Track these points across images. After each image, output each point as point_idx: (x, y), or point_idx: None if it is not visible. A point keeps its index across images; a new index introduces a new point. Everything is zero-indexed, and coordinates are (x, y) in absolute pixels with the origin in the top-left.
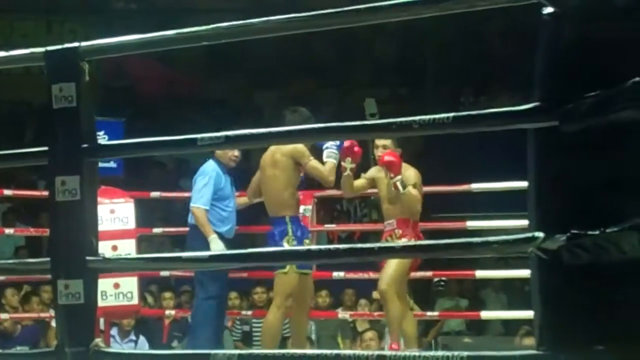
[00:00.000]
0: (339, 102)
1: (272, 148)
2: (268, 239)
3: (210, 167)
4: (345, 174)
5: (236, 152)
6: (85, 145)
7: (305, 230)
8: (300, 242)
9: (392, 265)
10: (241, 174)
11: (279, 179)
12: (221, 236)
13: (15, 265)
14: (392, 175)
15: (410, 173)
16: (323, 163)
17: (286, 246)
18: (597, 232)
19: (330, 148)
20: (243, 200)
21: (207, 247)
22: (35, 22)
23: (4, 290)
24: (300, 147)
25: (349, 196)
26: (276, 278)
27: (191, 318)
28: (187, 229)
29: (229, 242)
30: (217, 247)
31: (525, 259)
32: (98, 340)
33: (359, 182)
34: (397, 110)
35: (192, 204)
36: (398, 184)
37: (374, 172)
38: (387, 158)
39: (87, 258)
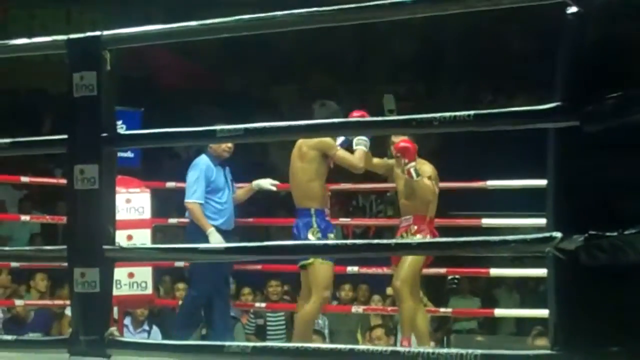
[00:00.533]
0: (357, 97)
1: (299, 141)
2: (292, 230)
3: (201, 161)
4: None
5: (229, 144)
6: (104, 135)
7: (330, 224)
8: (325, 235)
9: (407, 262)
10: (258, 168)
11: (307, 171)
12: (218, 229)
13: (32, 253)
14: (406, 161)
15: (426, 167)
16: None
17: (311, 238)
18: (615, 234)
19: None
20: (242, 191)
21: (205, 241)
22: (54, 11)
23: (35, 274)
24: (326, 139)
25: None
26: (313, 269)
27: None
28: None
29: (227, 234)
30: (215, 240)
31: (540, 258)
32: (113, 329)
33: (376, 160)
34: (414, 107)
35: (186, 200)
36: (412, 170)
37: (393, 163)
38: (402, 144)
39: (104, 247)
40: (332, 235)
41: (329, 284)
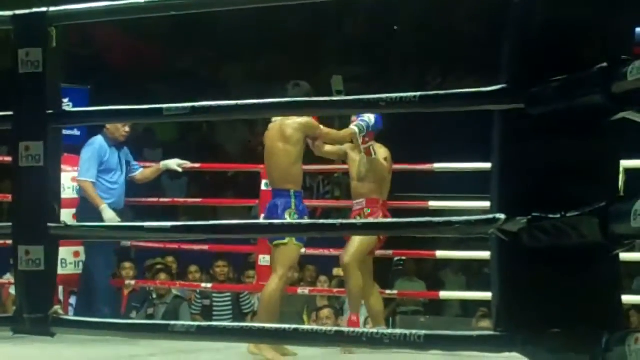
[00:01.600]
0: (306, 78)
1: (279, 123)
2: (269, 209)
3: (96, 141)
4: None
5: (127, 128)
6: (50, 112)
7: (305, 207)
8: (301, 217)
9: (356, 241)
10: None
11: (291, 153)
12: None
13: None
14: (367, 139)
15: (382, 150)
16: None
17: (287, 218)
18: (558, 216)
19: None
20: (149, 171)
21: (98, 218)
22: None
23: None
24: (310, 121)
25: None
26: (277, 249)
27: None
28: (149, 199)
29: (117, 213)
30: (108, 216)
31: (486, 241)
32: (57, 308)
33: (330, 147)
34: (363, 88)
35: (78, 177)
36: (371, 148)
37: (347, 148)
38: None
39: (49, 224)
40: (306, 218)
41: (292, 264)
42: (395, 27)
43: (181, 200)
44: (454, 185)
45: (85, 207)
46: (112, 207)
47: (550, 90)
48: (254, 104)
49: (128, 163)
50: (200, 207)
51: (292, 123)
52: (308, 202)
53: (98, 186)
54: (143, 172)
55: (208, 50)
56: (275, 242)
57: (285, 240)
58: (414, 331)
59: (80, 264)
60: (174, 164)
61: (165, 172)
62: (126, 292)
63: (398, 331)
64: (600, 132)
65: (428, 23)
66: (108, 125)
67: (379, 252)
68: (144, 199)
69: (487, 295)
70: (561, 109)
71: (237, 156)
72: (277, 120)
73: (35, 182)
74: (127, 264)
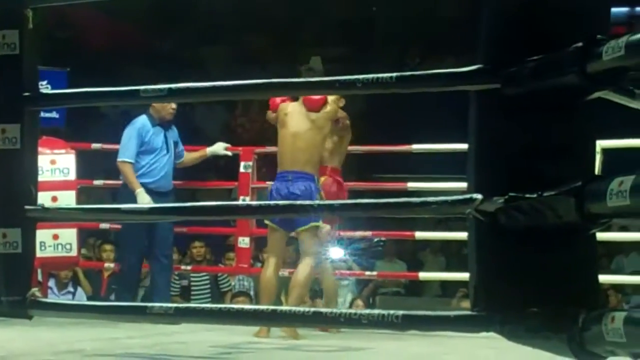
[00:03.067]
0: (288, 59)
1: (302, 109)
2: (304, 192)
3: (138, 121)
4: None
5: (174, 105)
6: (27, 94)
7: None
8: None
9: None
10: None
11: (320, 139)
12: (150, 190)
13: None
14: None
15: None
16: None
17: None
18: (534, 196)
19: None
20: (193, 155)
21: (135, 201)
22: None
23: None
24: (336, 107)
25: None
26: (315, 232)
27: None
28: None
29: (160, 196)
30: (143, 200)
31: (465, 221)
32: (35, 290)
33: None
34: (343, 69)
35: (117, 159)
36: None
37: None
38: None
39: (26, 207)
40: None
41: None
42: (374, 8)
43: None
44: (433, 167)
45: (124, 190)
46: (157, 188)
47: (526, 70)
48: (231, 86)
49: (176, 144)
50: (179, 189)
51: (321, 110)
52: None
53: (138, 167)
54: (187, 156)
55: (188, 32)
56: (311, 225)
57: (318, 223)
58: (391, 311)
59: (59, 246)
60: (221, 149)
61: None
62: (106, 274)
63: (376, 311)
64: (576, 111)
65: (407, 4)
66: (154, 104)
67: (358, 233)
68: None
69: (466, 275)
70: (537, 89)
71: (216, 138)
72: (301, 109)
73: (12, 165)
74: (107, 247)
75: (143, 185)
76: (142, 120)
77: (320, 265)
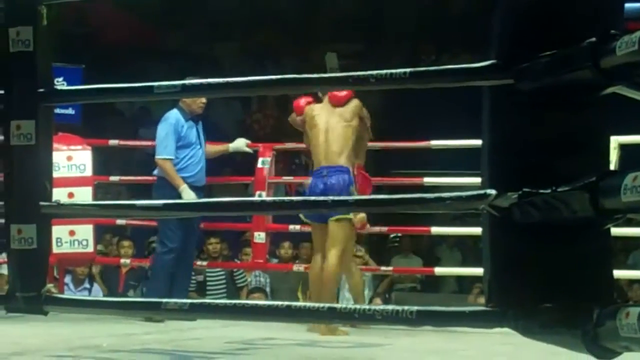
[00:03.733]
0: (300, 55)
1: (332, 107)
2: (338, 185)
3: (171, 115)
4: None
5: (204, 99)
6: (41, 90)
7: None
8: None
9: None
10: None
11: (347, 131)
12: (189, 185)
13: None
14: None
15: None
16: None
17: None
18: (548, 191)
19: None
20: (214, 149)
21: (175, 197)
22: None
23: None
24: (360, 103)
25: None
26: (346, 224)
27: (149, 269)
28: (145, 177)
29: (198, 191)
30: (188, 197)
31: (481, 216)
32: (50, 286)
33: None
34: (358, 65)
35: (157, 156)
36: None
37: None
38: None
39: (41, 203)
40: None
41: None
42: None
43: None
44: (451, 162)
45: (161, 185)
46: (195, 183)
47: (539, 65)
48: (245, 82)
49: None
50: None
51: (349, 107)
52: (303, 180)
53: (176, 163)
54: (207, 149)
55: (201, 27)
56: (339, 217)
57: (349, 215)
58: (406, 307)
59: (76, 242)
60: (243, 144)
61: None
62: (124, 270)
63: (390, 307)
64: (590, 107)
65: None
66: (184, 98)
67: (374, 229)
68: (138, 177)
69: (482, 271)
70: (550, 84)
71: (232, 134)
72: (332, 106)
73: (27, 161)
74: (126, 243)
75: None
76: (175, 115)
77: (346, 259)
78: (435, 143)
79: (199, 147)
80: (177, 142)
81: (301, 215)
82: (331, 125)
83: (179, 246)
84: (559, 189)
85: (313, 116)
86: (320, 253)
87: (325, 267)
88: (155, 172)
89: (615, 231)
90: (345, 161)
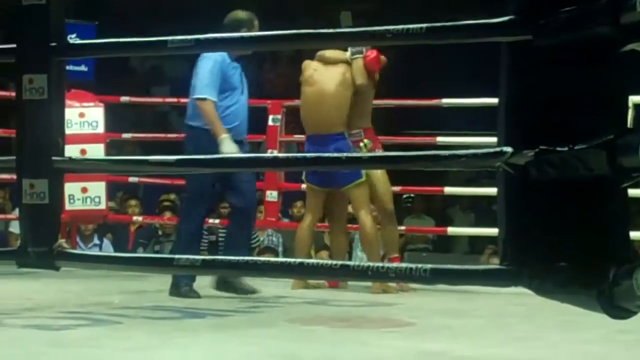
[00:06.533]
0: (316, 14)
1: (337, 67)
2: (342, 149)
3: (214, 54)
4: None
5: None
6: (53, 44)
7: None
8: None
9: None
10: None
11: (347, 97)
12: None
13: None
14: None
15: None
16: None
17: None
18: (565, 149)
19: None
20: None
21: (212, 147)
22: None
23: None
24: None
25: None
26: (365, 186)
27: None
28: (157, 135)
29: (238, 144)
30: (228, 149)
31: (495, 178)
32: (62, 241)
33: None
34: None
35: (196, 95)
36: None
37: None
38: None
39: (53, 158)
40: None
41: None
42: None
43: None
44: (463, 122)
45: (198, 135)
46: (236, 135)
47: (558, 21)
48: (260, 36)
49: None
50: None
51: (350, 69)
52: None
53: (216, 108)
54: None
55: None
56: (358, 182)
57: (364, 178)
58: (419, 265)
59: (88, 199)
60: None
61: (170, 107)
62: (132, 228)
63: (404, 265)
64: (608, 63)
65: None
66: None
67: None
68: (150, 134)
69: (495, 232)
70: (569, 40)
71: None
72: (336, 67)
73: (39, 115)
74: (133, 202)
75: None
76: (219, 52)
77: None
78: (446, 101)
79: (241, 93)
80: (221, 83)
81: (304, 180)
82: (336, 92)
83: (196, 191)
84: (576, 147)
85: (311, 74)
86: (311, 215)
87: (362, 230)
88: (189, 119)
89: (632, 192)
90: (339, 128)
